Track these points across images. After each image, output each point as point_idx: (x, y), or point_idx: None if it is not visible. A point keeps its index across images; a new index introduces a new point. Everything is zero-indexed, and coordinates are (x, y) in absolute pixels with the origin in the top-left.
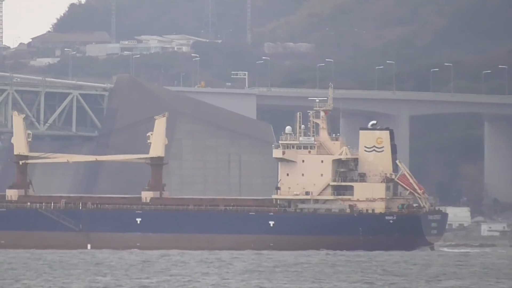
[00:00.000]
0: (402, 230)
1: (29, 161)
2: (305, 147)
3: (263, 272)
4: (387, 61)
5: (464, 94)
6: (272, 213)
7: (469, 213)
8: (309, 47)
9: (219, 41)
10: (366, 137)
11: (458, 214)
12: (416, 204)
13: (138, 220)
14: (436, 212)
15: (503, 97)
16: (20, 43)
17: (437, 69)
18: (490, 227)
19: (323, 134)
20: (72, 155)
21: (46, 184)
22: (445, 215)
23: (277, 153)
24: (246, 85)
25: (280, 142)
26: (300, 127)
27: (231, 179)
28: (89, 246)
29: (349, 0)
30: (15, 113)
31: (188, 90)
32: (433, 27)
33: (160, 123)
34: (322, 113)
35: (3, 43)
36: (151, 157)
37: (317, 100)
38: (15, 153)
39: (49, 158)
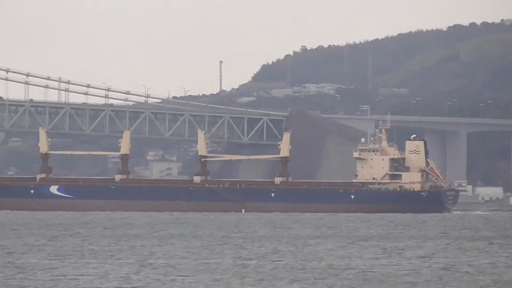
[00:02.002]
0: (431, 201)
1: (208, 159)
2: (373, 151)
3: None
4: (453, 99)
5: (500, 119)
6: (353, 191)
7: (502, 191)
8: (406, 91)
9: (352, 87)
10: (410, 145)
11: (495, 191)
12: (440, 185)
13: (272, 194)
14: (452, 190)
15: None
16: (232, 88)
17: (483, 104)
18: None
19: (384, 143)
20: (238, 156)
21: (248, 173)
22: (457, 192)
23: (355, 154)
24: (368, 114)
25: (357, 147)
26: (370, 139)
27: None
28: (243, 210)
29: (430, 62)
30: (199, 130)
31: (334, 116)
32: (481, 78)
33: (287, 136)
34: (383, 130)
35: (222, 88)
36: (281, 157)
37: (380, 123)
38: (199, 154)
39: (220, 157)
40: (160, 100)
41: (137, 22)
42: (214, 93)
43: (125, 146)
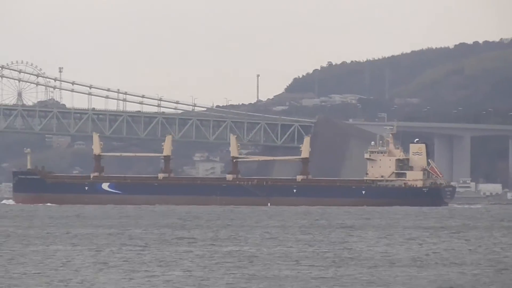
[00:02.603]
0: (431, 196)
1: (239, 159)
2: (381, 152)
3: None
4: (459, 108)
5: (499, 125)
6: (363, 187)
7: (501, 187)
8: (418, 100)
9: (371, 97)
10: (413, 147)
11: (495, 187)
12: (439, 182)
13: (294, 190)
14: (450, 186)
15: None
16: (268, 98)
17: (484, 112)
18: None
19: (391, 145)
20: (265, 156)
21: (281, 172)
22: (454, 188)
23: (366, 155)
24: (385, 120)
25: (368, 149)
26: (379, 142)
27: None
28: (269, 204)
29: (439, 75)
30: (231, 134)
31: (356, 123)
32: (483, 90)
33: (307, 140)
34: (390, 135)
35: (259, 98)
36: (302, 158)
37: (387, 128)
38: (231, 155)
39: (250, 158)
40: (205, 109)
41: (186, 44)
42: (252, 102)
43: (167, 149)
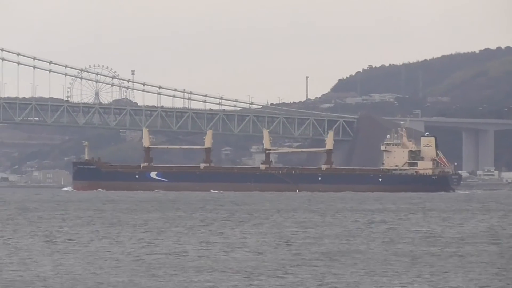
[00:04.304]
0: (440, 182)
1: (271, 151)
2: (396, 145)
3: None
4: (484, 105)
5: None
6: (380, 175)
7: None
8: (448, 99)
9: (407, 96)
10: (424, 140)
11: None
12: (447, 171)
13: (319, 178)
14: (456, 174)
15: None
16: (316, 97)
17: (506, 109)
18: None
19: (404, 139)
20: (293, 148)
21: (317, 163)
22: (460, 176)
23: (382, 147)
24: (419, 116)
25: (384, 142)
26: (393, 135)
27: None
28: (297, 190)
29: (466, 77)
30: (264, 129)
31: (393, 118)
32: (505, 89)
33: (330, 134)
34: (404, 129)
35: (308, 97)
36: (326, 149)
37: (402, 123)
38: (264, 147)
39: (279, 150)
40: (261, 106)
41: (245, 49)
42: (302, 101)
43: (208, 141)
